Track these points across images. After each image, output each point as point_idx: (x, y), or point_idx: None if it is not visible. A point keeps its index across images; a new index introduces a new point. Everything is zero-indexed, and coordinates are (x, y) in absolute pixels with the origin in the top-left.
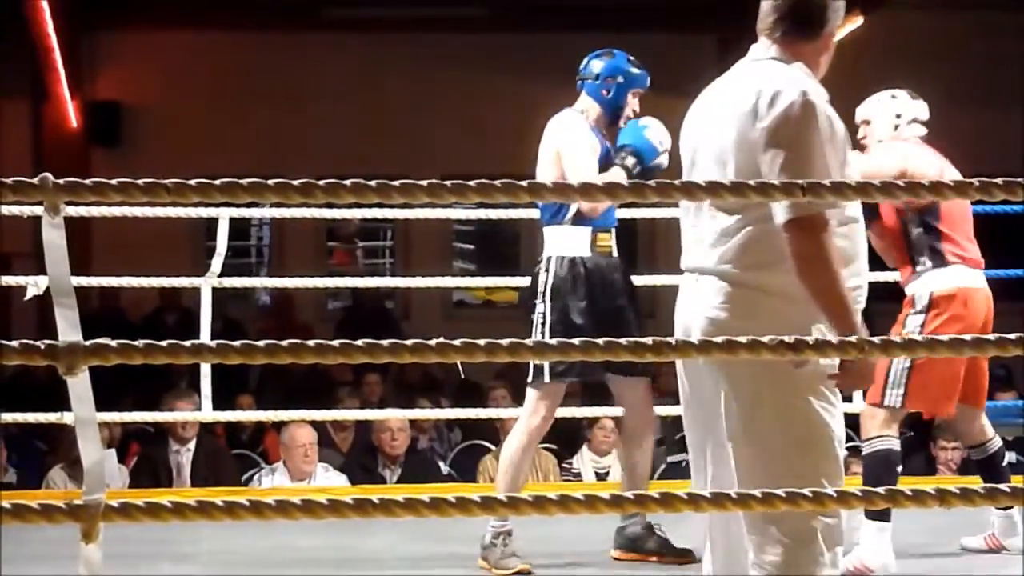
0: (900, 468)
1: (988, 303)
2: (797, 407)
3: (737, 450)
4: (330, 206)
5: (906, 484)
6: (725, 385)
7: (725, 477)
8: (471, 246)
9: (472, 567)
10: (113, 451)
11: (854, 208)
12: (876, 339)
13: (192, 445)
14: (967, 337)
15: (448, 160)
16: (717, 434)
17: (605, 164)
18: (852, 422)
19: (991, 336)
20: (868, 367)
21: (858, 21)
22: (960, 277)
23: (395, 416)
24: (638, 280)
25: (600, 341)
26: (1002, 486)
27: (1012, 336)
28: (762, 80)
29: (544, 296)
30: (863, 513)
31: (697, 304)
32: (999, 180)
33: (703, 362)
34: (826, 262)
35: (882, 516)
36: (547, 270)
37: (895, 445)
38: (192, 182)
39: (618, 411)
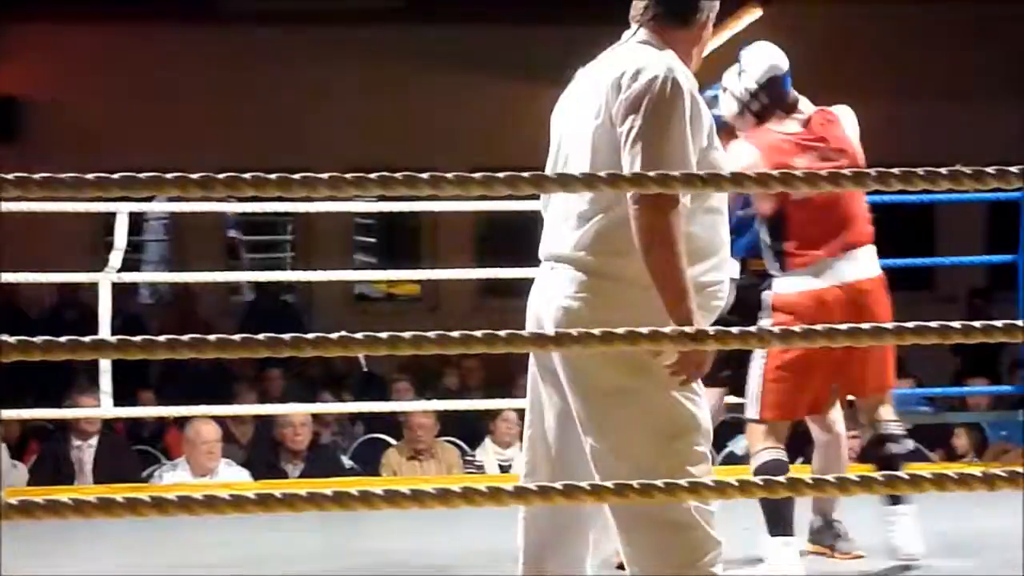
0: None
1: (847, 301)
2: (658, 398)
3: (598, 445)
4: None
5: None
6: (581, 380)
7: (584, 474)
8: (372, 239)
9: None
10: (3, 445)
11: (718, 199)
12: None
13: (94, 441)
14: (797, 328)
15: (348, 154)
16: (573, 431)
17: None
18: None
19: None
20: (701, 355)
21: (756, 13)
22: (804, 281)
23: (298, 411)
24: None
25: (456, 334)
26: (901, 473)
27: (844, 327)
28: (628, 59)
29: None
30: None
31: (551, 294)
32: (849, 172)
33: (556, 355)
34: (670, 242)
35: (785, 530)
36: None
37: (774, 456)
38: (90, 176)
39: (520, 403)
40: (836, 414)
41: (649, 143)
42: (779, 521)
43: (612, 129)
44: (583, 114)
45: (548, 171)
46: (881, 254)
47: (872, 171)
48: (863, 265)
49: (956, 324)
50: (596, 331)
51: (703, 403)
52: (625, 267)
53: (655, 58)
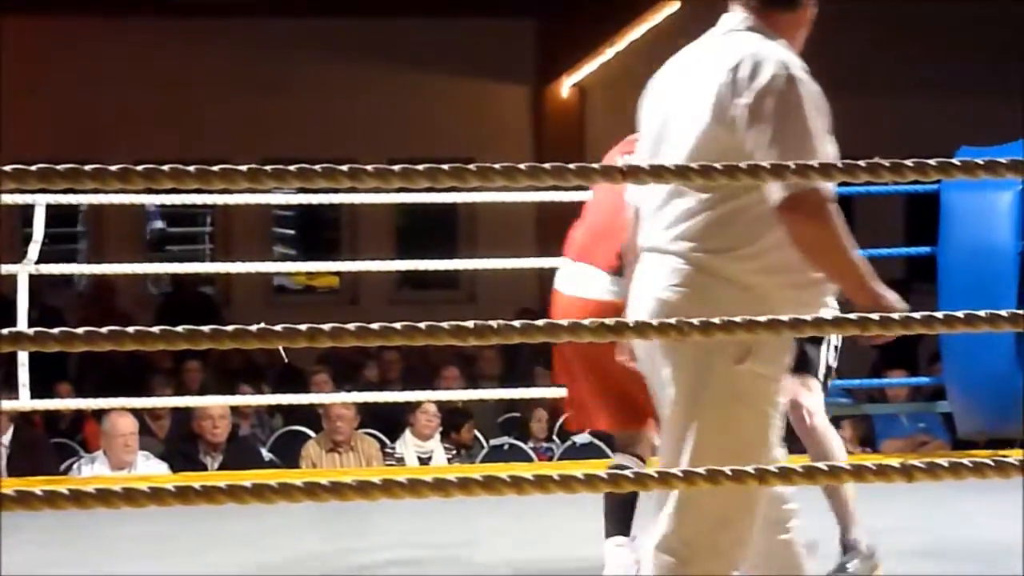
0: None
1: (579, 311)
2: (735, 414)
3: (670, 438)
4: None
5: None
6: (676, 376)
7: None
8: (291, 231)
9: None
10: None
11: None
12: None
13: (8, 435)
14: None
15: (269, 145)
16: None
17: None
18: None
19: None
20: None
21: (674, 6)
22: (557, 278)
23: (216, 403)
24: (458, 264)
25: (375, 326)
26: (820, 465)
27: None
28: (740, 52)
29: None
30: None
31: (649, 284)
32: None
33: (656, 352)
34: (832, 241)
35: (619, 531)
36: None
37: (622, 462)
38: (7, 168)
39: (440, 395)
40: (810, 401)
41: (782, 150)
42: (613, 521)
43: (726, 130)
44: (688, 111)
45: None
46: None
47: (791, 164)
48: (576, 281)
49: (874, 316)
50: (510, 323)
51: (777, 423)
52: (726, 265)
53: (767, 50)
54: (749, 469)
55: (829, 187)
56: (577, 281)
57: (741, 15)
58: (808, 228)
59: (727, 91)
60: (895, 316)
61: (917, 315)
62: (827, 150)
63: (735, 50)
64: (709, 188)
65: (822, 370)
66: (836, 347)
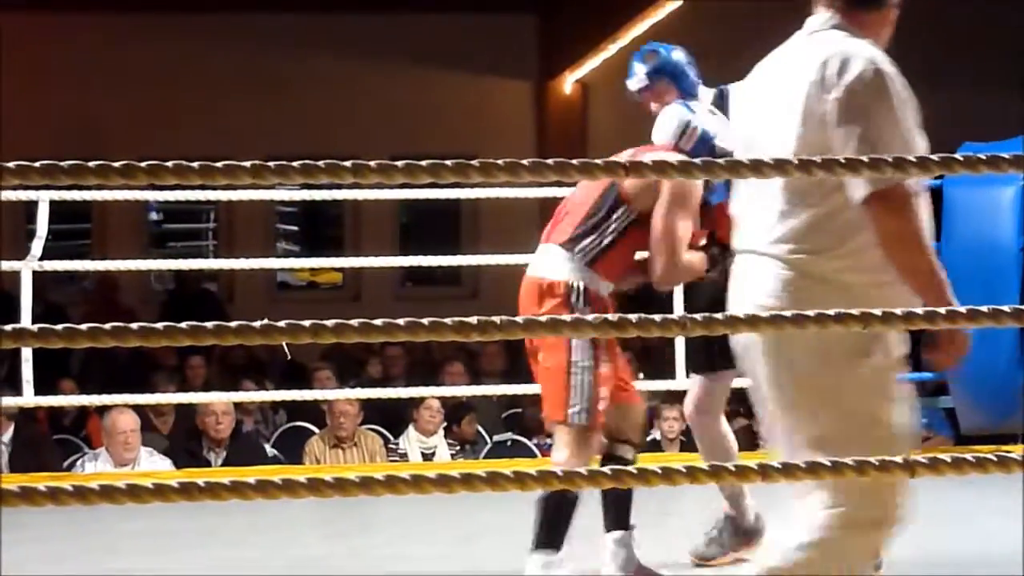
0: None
1: (527, 289)
2: (860, 410)
3: (793, 435)
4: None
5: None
6: (782, 374)
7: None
8: (294, 227)
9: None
10: None
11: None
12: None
13: (10, 432)
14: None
15: (272, 143)
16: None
17: None
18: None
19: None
20: (960, 336)
21: (677, 3)
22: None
23: (219, 399)
24: (461, 261)
25: (378, 322)
26: (824, 460)
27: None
28: (828, 50)
29: None
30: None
31: (749, 288)
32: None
33: (760, 353)
34: (914, 238)
35: (624, 525)
36: None
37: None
38: (11, 164)
39: (443, 391)
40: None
41: (872, 148)
42: (612, 516)
43: (816, 127)
44: (777, 113)
45: None
46: None
47: (794, 159)
48: (535, 261)
49: (876, 311)
50: (513, 319)
51: (905, 407)
52: (824, 265)
53: (855, 47)
54: (752, 465)
55: (915, 182)
56: (535, 261)
57: (826, 15)
58: (892, 221)
59: (816, 89)
60: (897, 311)
61: (919, 310)
62: (918, 144)
63: (822, 49)
64: (802, 190)
65: None
66: None
